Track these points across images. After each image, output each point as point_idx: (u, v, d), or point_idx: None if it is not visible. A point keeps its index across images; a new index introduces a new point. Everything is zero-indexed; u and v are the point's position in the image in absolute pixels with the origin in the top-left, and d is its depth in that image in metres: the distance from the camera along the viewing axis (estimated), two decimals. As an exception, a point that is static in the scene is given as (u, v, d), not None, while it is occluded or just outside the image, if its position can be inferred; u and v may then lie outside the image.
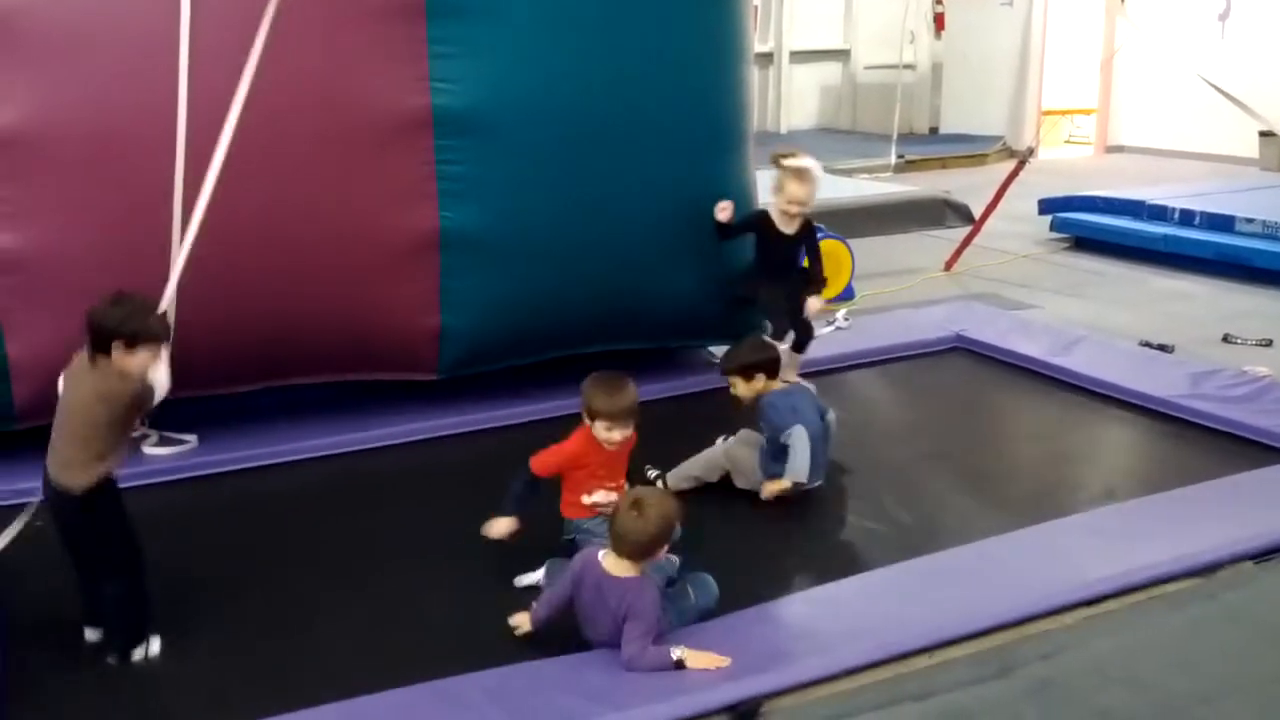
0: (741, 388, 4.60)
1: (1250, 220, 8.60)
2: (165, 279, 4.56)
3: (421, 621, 3.75)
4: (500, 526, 3.89)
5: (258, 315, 4.81)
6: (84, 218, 4.55)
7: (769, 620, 3.66)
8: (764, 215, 5.47)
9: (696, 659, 3.35)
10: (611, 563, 3.42)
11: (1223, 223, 8.72)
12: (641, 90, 5.23)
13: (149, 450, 4.90)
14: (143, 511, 4.50)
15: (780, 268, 5.48)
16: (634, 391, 3.96)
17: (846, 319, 6.99)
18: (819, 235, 7.57)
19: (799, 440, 4.39)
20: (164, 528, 4.38)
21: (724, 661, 3.34)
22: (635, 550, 3.38)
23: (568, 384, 5.60)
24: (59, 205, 4.52)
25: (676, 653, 3.34)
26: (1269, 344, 6.70)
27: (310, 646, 3.62)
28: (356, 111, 4.83)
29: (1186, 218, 9.00)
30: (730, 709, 3.16)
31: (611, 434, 3.92)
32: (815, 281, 5.66)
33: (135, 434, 4.96)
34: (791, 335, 5.52)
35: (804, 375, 5.99)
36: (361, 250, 4.92)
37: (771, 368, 4.59)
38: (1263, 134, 12.24)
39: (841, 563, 4.08)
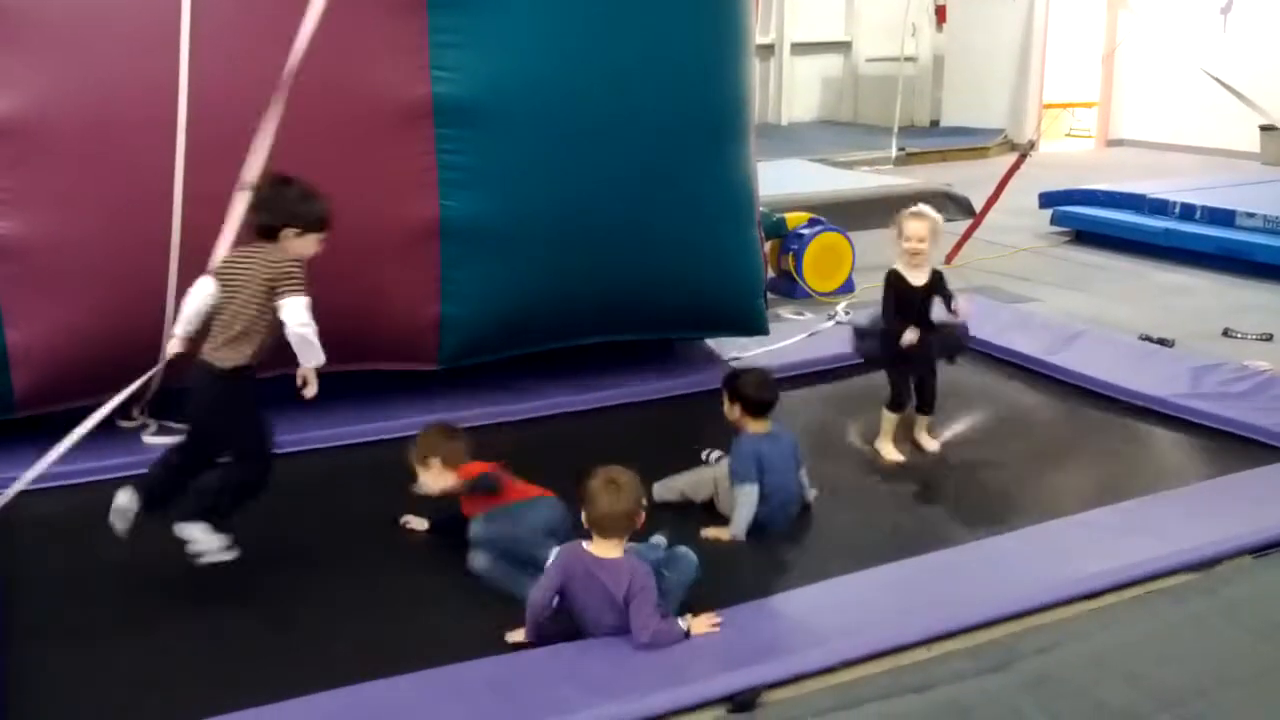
0: (727, 408, 4.50)
1: (1251, 214, 8.60)
2: (165, 268, 4.59)
3: (420, 612, 3.75)
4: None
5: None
6: (84, 206, 4.55)
7: (768, 613, 3.67)
8: (893, 272, 5.11)
9: (698, 624, 3.45)
10: (599, 548, 3.43)
11: (1224, 217, 8.72)
12: (642, 81, 5.22)
13: (148, 439, 4.90)
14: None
15: (913, 321, 5.08)
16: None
17: (847, 312, 6.98)
18: (820, 228, 7.65)
19: (743, 498, 4.25)
20: (163, 516, 4.40)
21: (718, 619, 3.48)
22: (620, 526, 3.41)
23: (566, 379, 5.66)
24: (59, 193, 4.52)
25: (683, 623, 3.41)
26: (1269, 338, 6.70)
27: (308, 636, 3.62)
28: (358, 101, 4.82)
29: (1187, 212, 9.00)
30: (729, 699, 3.16)
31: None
32: (959, 339, 5.25)
33: (134, 423, 4.98)
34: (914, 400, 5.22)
35: (806, 373, 6.01)
36: (362, 239, 4.91)
37: (754, 407, 4.38)
38: (1263, 128, 12.24)
39: (840, 559, 4.07)
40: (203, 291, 3.80)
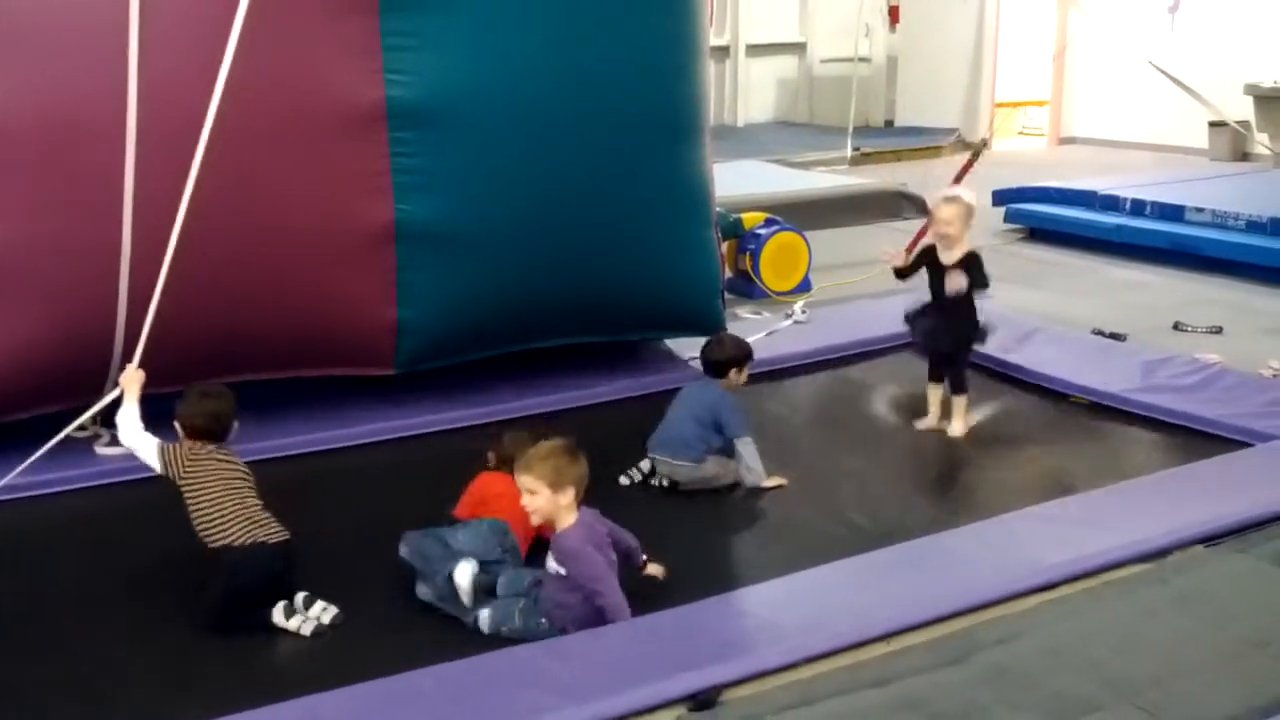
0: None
1: (1200, 209, 8.70)
2: (117, 276, 4.54)
3: (377, 619, 3.73)
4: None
5: (210, 311, 4.76)
6: (41, 212, 4.48)
7: (727, 610, 3.68)
8: (930, 247, 5.42)
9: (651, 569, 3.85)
10: (560, 515, 3.58)
11: (1173, 212, 8.83)
12: (598, 82, 5.22)
13: (101, 450, 4.84)
14: (96, 511, 4.50)
15: (943, 299, 5.32)
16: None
17: (804, 311, 7.02)
18: (777, 228, 7.68)
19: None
20: (117, 527, 4.35)
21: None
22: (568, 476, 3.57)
23: (526, 382, 5.65)
24: (15, 200, 4.45)
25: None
26: (1219, 331, 6.80)
27: (266, 645, 3.59)
28: (311, 105, 4.79)
29: (1138, 208, 9.11)
30: (689, 698, 3.17)
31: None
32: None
33: (87, 433, 4.92)
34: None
35: (764, 371, 6.03)
36: (317, 244, 4.89)
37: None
38: (1212, 124, 12.39)
39: (799, 555, 4.09)
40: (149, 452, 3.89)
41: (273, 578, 3.70)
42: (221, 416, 3.86)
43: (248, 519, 3.71)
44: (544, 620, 3.58)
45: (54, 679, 3.40)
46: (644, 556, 3.85)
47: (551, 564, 3.59)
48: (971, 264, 5.25)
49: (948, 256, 5.29)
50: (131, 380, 3.98)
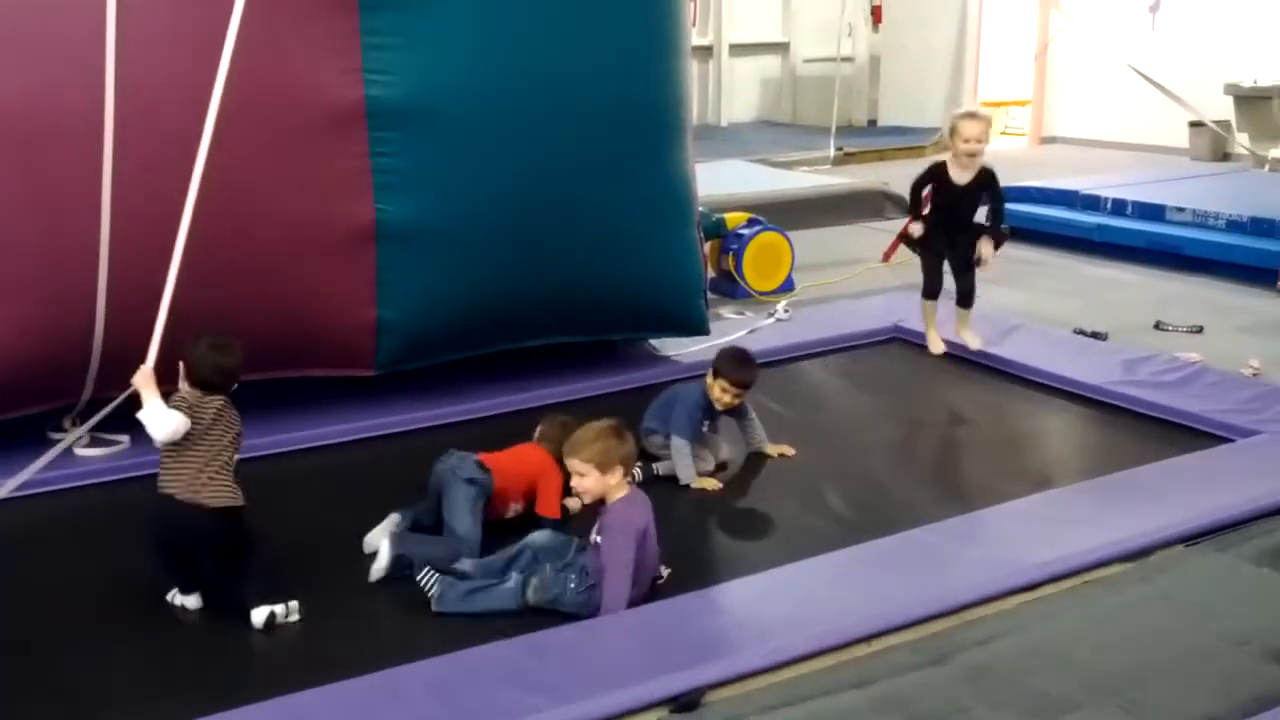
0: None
1: (1180, 209, 8.74)
2: (95, 280, 4.51)
3: (358, 616, 3.72)
4: None
5: (189, 312, 4.73)
6: (17, 213, 4.44)
7: (710, 607, 3.68)
8: (939, 164, 5.22)
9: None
10: (610, 493, 3.68)
11: (1154, 212, 8.86)
12: (579, 81, 5.21)
13: (81, 452, 4.81)
14: (75, 513, 4.48)
15: (955, 220, 5.19)
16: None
17: (787, 310, 7.02)
18: (759, 228, 7.68)
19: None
20: (96, 529, 4.33)
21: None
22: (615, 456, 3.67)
23: (506, 380, 5.64)
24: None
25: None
26: (1199, 330, 6.82)
27: (247, 644, 3.58)
28: (290, 104, 4.77)
29: (1119, 207, 9.14)
30: (672, 700, 3.16)
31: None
32: (996, 231, 5.34)
33: (65, 434, 4.89)
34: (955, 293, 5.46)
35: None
36: (296, 244, 4.87)
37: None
38: (1192, 124, 12.44)
39: (781, 550, 4.10)
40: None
41: (207, 540, 3.69)
42: (229, 373, 3.83)
43: (199, 476, 3.67)
44: (576, 588, 3.65)
45: (33, 680, 3.37)
46: (661, 568, 3.89)
47: (595, 535, 3.69)
48: (989, 181, 5.10)
49: (961, 175, 5.09)
50: (145, 380, 3.89)
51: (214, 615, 3.72)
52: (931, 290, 5.35)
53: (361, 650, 3.45)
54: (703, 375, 4.90)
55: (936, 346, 5.27)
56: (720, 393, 4.73)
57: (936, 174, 5.22)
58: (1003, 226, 5.34)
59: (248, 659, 3.51)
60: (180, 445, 3.69)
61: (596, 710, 3.09)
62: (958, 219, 5.15)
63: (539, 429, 4.52)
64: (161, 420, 3.68)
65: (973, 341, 5.27)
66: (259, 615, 3.62)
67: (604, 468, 3.65)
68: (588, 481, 3.68)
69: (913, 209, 5.43)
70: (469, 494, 4.06)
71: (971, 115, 5.23)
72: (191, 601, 3.75)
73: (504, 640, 3.42)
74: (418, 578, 3.75)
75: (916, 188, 5.34)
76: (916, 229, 5.27)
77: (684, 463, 4.67)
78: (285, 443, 5.05)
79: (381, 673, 3.26)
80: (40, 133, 4.43)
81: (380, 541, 3.96)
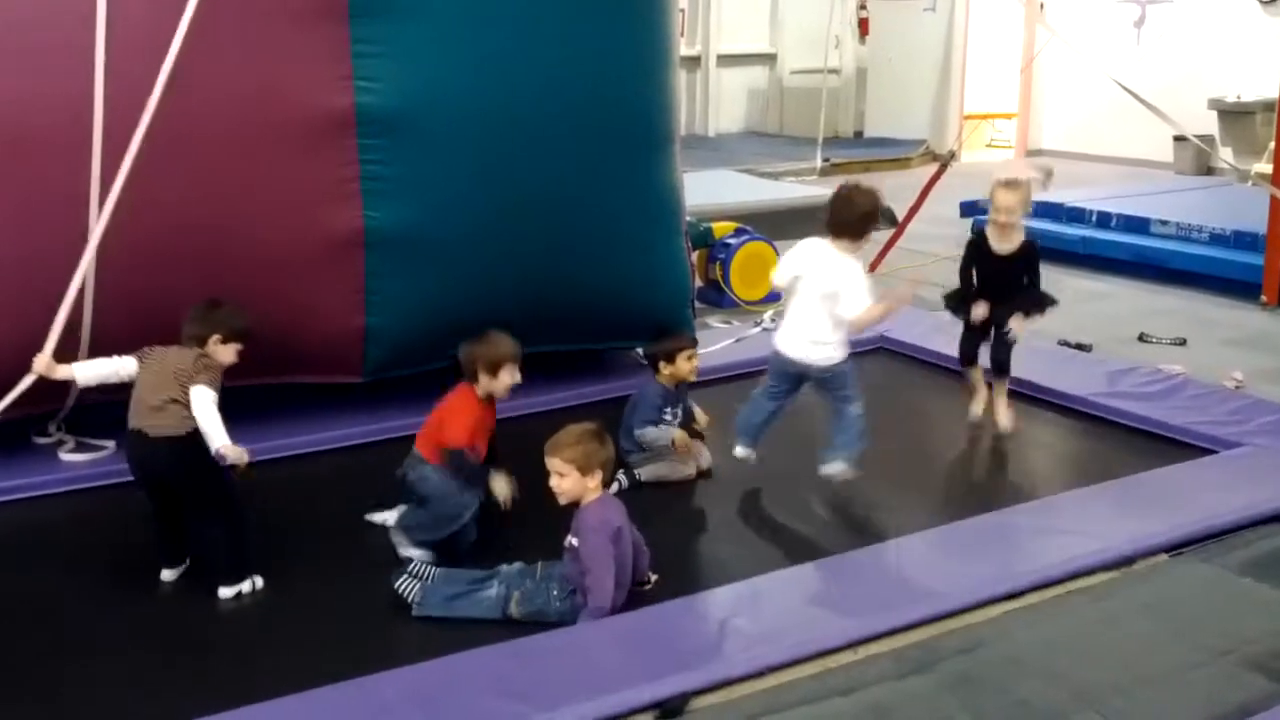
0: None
1: (1165, 222, 8.79)
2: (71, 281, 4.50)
3: (342, 623, 3.72)
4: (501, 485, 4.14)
5: (177, 318, 4.72)
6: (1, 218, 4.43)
7: (694, 614, 3.69)
8: (979, 234, 5.17)
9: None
10: (586, 495, 3.70)
11: (1138, 225, 8.91)
12: (567, 89, 5.22)
13: (65, 456, 4.80)
14: (59, 517, 4.46)
15: (996, 290, 5.10)
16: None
17: (773, 320, 7.03)
18: (747, 237, 7.70)
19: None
20: (81, 534, 4.32)
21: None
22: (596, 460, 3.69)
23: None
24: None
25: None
26: (1183, 343, 6.86)
27: (228, 650, 3.58)
28: (279, 111, 4.77)
29: (1103, 220, 9.19)
30: (656, 707, 3.17)
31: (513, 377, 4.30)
32: (1033, 302, 5.25)
33: (50, 439, 4.88)
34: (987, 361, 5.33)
35: (732, 376, 6.04)
36: (285, 251, 4.86)
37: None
38: (1176, 138, 12.52)
39: (766, 558, 4.11)
40: (123, 367, 3.95)
41: (143, 469, 3.88)
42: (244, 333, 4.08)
43: (142, 406, 3.85)
44: (558, 596, 3.68)
45: (17, 682, 3.37)
46: (649, 574, 3.92)
47: (570, 538, 3.69)
48: (1030, 253, 5.01)
49: (1002, 245, 5.01)
50: (43, 365, 4.01)
51: (189, 623, 3.70)
52: (962, 359, 5.28)
53: (343, 657, 3.44)
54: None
55: (973, 413, 5.30)
56: (682, 364, 4.87)
57: (977, 245, 5.12)
58: (1043, 299, 5.20)
59: (231, 665, 3.50)
60: (138, 383, 3.90)
61: (581, 717, 3.09)
62: (997, 289, 5.06)
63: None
64: (96, 367, 3.97)
65: (1005, 422, 5.19)
66: (227, 592, 3.84)
67: (585, 470, 3.67)
68: (567, 483, 3.69)
69: (964, 289, 5.25)
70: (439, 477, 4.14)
71: (1008, 185, 5.05)
72: (168, 574, 3.91)
73: (487, 647, 3.42)
74: (396, 584, 3.75)
75: (964, 269, 5.21)
76: (981, 310, 5.08)
77: (657, 435, 4.76)
78: (273, 449, 5.03)
79: (363, 679, 3.25)
80: (22, 140, 4.42)
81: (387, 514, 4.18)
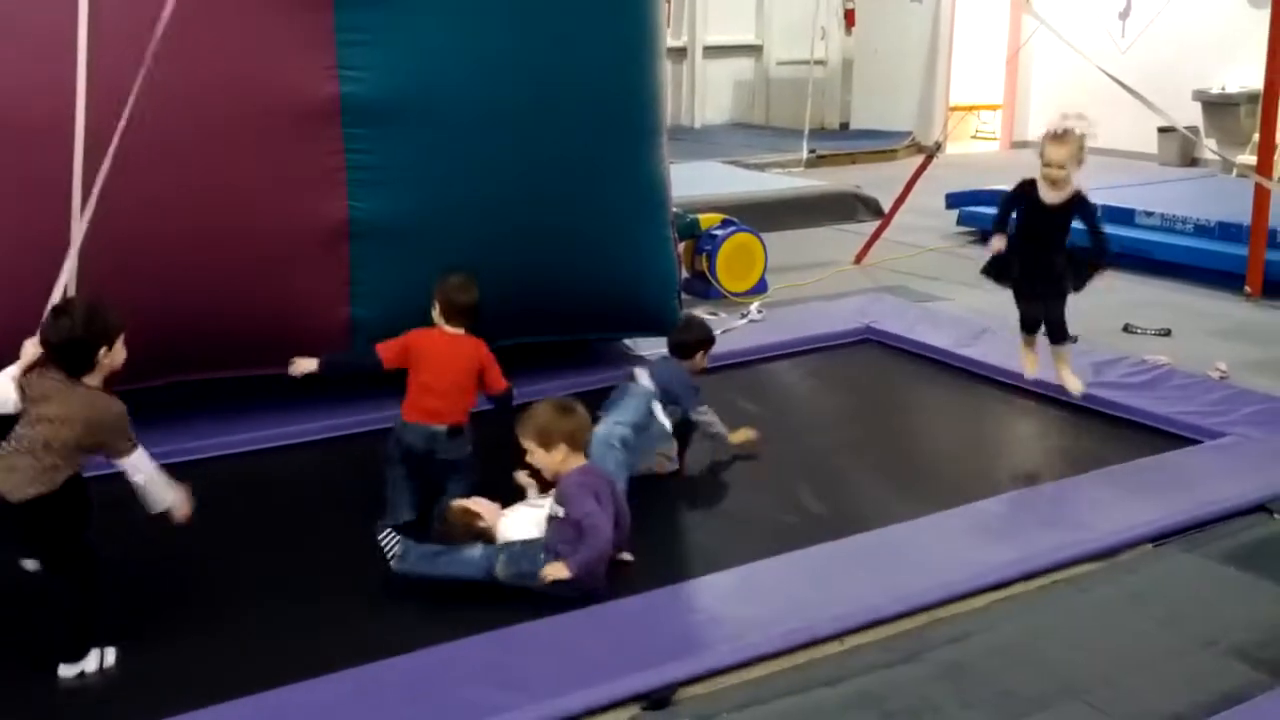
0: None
1: (1150, 213, 8.82)
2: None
3: (328, 615, 3.71)
4: (302, 365, 4.37)
5: (161, 309, 4.70)
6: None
7: (681, 604, 3.69)
8: (1028, 181, 4.95)
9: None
10: (560, 468, 3.79)
11: (1123, 216, 8.92)
12: (553, 79, 5.20)
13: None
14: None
15: (1040, 242, 4.93)
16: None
17: (760, 311, 7.04)
18: (733, 229, 7.69)
19: None
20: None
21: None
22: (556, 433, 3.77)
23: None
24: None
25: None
26: (1168, 333, 6.88)
27: (217, 644, 3.55)
28: (264, 100, 4.74)
29: (1089, 211, 9.20)
30: (644, 697, 3.17)
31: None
32: (1096, 257, 5.03)
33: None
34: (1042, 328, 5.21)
35: (719, 367, 6.03)
36: (269, 241, 4.84)
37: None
38: (1162, 130, 12.56)
39: (753, 547, 4.10)
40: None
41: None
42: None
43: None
44: (546, 561, 3.70)
45: (4, 679, 3.35)
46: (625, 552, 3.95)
47: (555, 507, 3.75)
48: (1083, 205, 4.86)
49: (1050, 195, 4.85)
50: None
51: (177, 617, 3.68)
52: (1023, 326, 5.15)
53: (330, 648, 3.43)
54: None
55: (1029, 372, 5.22)
56: (700, 359, 4.95)
57: (1023, 191, 4.95)
58: (1105, 252, 5.04)
59: (217, 659, 3.48)
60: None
61: (568, 707, 3.09)
62: (1043, 241, 4.91)
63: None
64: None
65: (1073, 385, 5.06)
66: (67, 671, 3.33)
67: (546, 444, 3.78)
68: (536, 457, 3.84)
69: (997, 226, 5.07)
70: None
71: (1057, 138, 4.89)
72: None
73: (474, 636, 3.42)
74: (379, 536, 3.80)
75: (1002, 212, 5.04)
76: (999, 243, 4.95)
77: (720, 425, 4.84)
78: (257, 440, 5.03)
79: (351, 670, 3.25)
80: (10, 126, 4.39)
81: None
